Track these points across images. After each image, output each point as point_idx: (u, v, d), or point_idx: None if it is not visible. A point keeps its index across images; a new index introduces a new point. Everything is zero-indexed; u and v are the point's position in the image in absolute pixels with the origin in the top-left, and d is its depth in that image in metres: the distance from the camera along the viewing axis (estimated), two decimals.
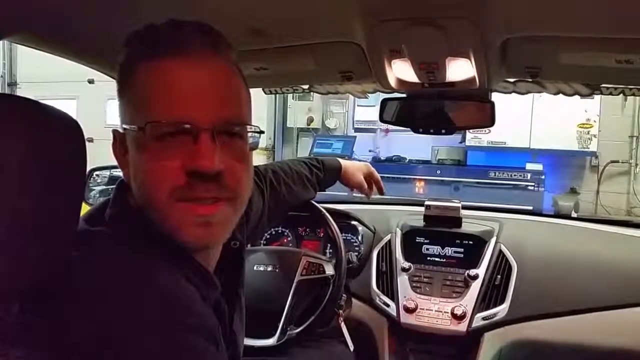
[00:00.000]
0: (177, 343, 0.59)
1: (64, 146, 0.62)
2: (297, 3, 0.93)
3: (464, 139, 6.00)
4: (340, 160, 1.65)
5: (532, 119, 5.54)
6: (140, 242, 0.68)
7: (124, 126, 0.71)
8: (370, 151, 6.82)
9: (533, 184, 5.36)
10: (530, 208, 4.84)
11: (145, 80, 0.69)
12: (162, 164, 0.67)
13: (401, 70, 1.15)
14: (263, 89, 1.56)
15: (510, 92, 1.38)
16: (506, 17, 0.92)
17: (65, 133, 0.63)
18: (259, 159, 6.68)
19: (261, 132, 0.77)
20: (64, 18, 0.89)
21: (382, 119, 1.42)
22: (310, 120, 7.00)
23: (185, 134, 0.67)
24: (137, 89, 0.70)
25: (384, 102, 1.40)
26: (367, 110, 6.42)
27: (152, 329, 0.58)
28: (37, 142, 0.58)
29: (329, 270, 1.47)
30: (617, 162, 5.85)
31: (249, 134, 0.74)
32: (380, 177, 1.75)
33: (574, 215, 4.67)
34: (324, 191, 1.64)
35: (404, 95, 1.36)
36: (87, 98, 7.19)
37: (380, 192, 1.71)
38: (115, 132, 0.74)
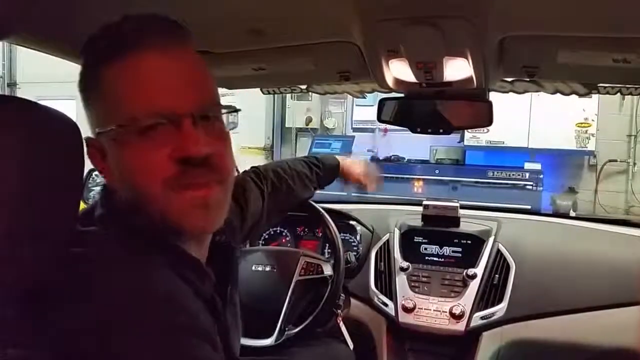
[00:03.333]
0: (174, 344, 0.59)
1: (62, 147, 0.62)
2: (295, 3, 0.93)
3: (462, 139, 6.00)
4: (338, 157, 1.64)
5: (530, 118, 5.54)
6: (132, 240, 0.68)
7: (100, 130, 0.71)
8: (368, 151, 6.81)
9: (531, 183, 5.36)
10: (529, 207, 4.86)
11: (116, 79, 0.68)
12: (149, 157, 0.67)
13: (399, 70, 1.15)
14: (261, 89, 1.56)
15: (507, 92, 1.38)
16: (503, 16, 0.91)
17: (64, 134, 0.63)
18: (257, 158, 6.67)
19: (237, 110, 0.78)
20: (60, 19, 0.89)
21: (380, 119, 1.42)
22: (309, 120, 6.99)
23: (166, 124, 0.67)
24: (108, 90, 0.69)
25: (381, 102, 1.40)
26: (366, 110, 6.42)
27: (149, 330, 0.59)
28: (35, 142, 0.58)
29: (328, 270, 1.47)
30: (615, 161, 5.85)
31: (229, 116, 0.75)
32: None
33: (572, 214, 4.68)
34: (323, 189, 1.64)
35: (401, 95, 1.36)
36: None
37: (378, 187, 1.71)
38: (88, 139, 0.73)
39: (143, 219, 0.70)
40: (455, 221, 1.69)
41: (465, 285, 1.56)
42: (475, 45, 0.99)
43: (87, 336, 0.56)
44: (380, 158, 6.48)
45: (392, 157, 6.33)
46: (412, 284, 1.61)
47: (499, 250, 1.60)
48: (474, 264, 1.59)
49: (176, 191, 0.68)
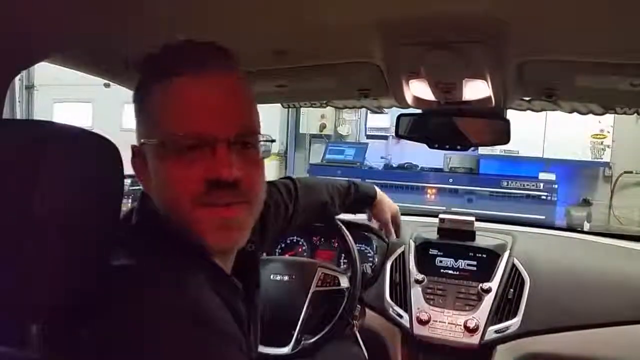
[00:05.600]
0: (205, 346, 0.62)
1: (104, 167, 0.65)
2: (319, 27, 0.96)
3: (477, 147, 5.99)
4: (377, 189, 1.64)
5: (545, 128, 5.52)
6: (167, 250, 0.71)
7: (144, 140, 0.75)
8: (382, 158, 6.84)
9: (546, 193, 5.34)
10: (543, 218, 4.84)
11: (164, 97, 0.73)
12: (183, 173, 0.72)
13: (418, 89, 1.18)
14: (281, 103, 1.60)
15: (525, 110, 1.41)
16: (521, 43, 0.94)
17: (105, 157, 0.66)
18: (271, 164, 6.71)
19: (272, 140, 0.82)
20: (93, 40, 0.93)
21: (397, 134, 1.44)
22: (323, 126, 7.04)
23: (203, 146, 0.71)
24: (156, 105, 0.74)
25: (399, 118, 1.42)
26: (379, 117, 6.43)
27: (185, 343, 0.61)
28: (79, 162, 0.61)
29: (344, 282, 1.49)
30: (631, 172, 5.80)
31: (261, 143, 0.79)
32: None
33: (586, 226, 4.66)
34: (353, 214, 1.65)
35: (419, 111, 1.38)
36: (102, 102, 7.23)
37: (397, 235, 1.72)
38: (133, 147, 0.78)
39: (173, 229, 0.73)
40: (471, 235, 1.71)
41: (480, 299, 1.57)
42: (494, 68, 1.02)
43: (120, 347, 0.59)
44: (394, 165, 6.49)
45: (406, 165, 6.34)
46: (427, 296, 1.62)
47: (514, 265, 1.61)
48: (489, 278, 1.59)
49: (200, 208, 0.72)
